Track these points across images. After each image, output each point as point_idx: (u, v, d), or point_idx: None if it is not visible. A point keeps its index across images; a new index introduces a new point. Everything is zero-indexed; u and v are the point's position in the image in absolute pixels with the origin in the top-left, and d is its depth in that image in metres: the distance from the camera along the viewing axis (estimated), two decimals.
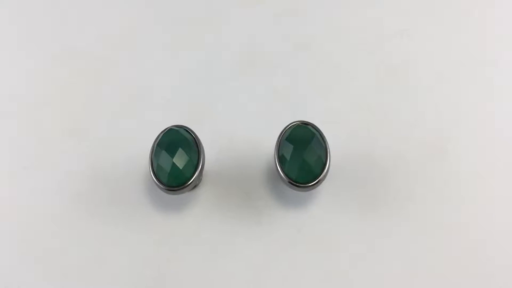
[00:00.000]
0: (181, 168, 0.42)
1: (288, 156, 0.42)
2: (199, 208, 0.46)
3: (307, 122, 0.45)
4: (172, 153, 0.42)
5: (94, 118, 0.50)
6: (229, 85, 0.51)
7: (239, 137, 0.49)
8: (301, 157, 0.42)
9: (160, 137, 0.44)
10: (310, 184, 0.42)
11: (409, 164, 0.47)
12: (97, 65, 0.53)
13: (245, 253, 0.44)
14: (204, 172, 0.47)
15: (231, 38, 0.54)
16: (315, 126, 0.44)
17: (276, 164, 0.43)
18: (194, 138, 0.44)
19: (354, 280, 0.43)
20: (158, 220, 0.46)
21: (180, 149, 0.43)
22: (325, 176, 0.43)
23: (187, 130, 0.44)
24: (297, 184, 0.42)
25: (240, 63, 0.52)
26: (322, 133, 0.44)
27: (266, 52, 0.53)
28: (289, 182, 0.43)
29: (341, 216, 0.45)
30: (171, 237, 0.45)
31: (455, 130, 0.48)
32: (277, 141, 0.44)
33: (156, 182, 0.43)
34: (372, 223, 0.45)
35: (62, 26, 0.55)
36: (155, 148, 0.43)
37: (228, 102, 0.51)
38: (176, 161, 0.42)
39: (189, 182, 0.42)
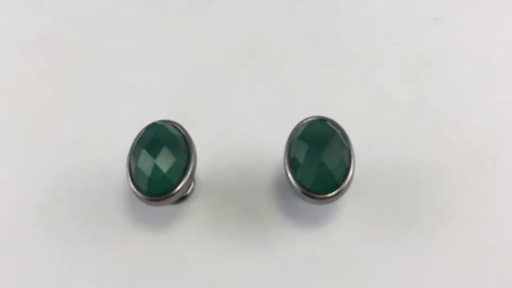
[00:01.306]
0: (165, 172, 0.33)
1: (301, 159, 0.33)
2: (188, 225, 0.37)
3: (325, 117, 0.36)
4: (154, 153, 0.33)
5: (63, 115, 0.41)
6: (227, 79, 0.43)
7: (239, 138, 0.40)
8: (319, 160, 0.33)
9: (141, 133, 0.35)
10: (329, 195, 0.33)
11: (448, 172, 0.38)
12: (70, 54, 0.44)
13: (245, 283, 0.35)
14: (196, 179, 0.38)
15: (230, 25, 0.45)
16: (336, 122, 0.35)
17: (285, 169, 0.34)
18: (183, 135, 0.35)
19: None
20: (136, 239, 0.36)
21: (164, 148, 0.34)
22: (348, 184, 0.34)
23: (175, 126, 0.35)
24: (313, 195, 0.33)
25: (241, 54, 0.44)
26: (344, 131, 0.35)
27: (271, 41, 0.44)
28: (303, 192, 0.33)
29: (367, 237, 0.36)
30: (152, 262, 0.36)
31: (504, 131, 0.39)
32: (288, 140, 0.35)
33: (134, 189, 0.34)
34: (405, 246, 0.36)
35: (30, 9, 0.47)
36: (134, 146, 0.34)
37: (226, 98, 0.42)
38: (159, 162, 0.33)
39: (175, 190, 0.33)
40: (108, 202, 0.37)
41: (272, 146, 0.39)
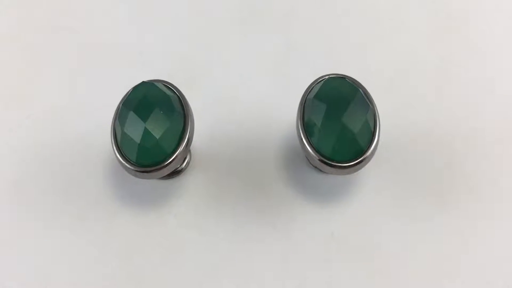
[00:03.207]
0: (157, 137, 0.28)
1: (318, 121, 0.28)
2: (185, 203, 0.32)
3: (344, 75, 0.30)
4: (144, 116, 0.28)
5: (38, 79, 0.36)
6: (227, 38, 0.37)
7: (241, 104, 0.35)
8: (340, 122, 0.28)
9: (128, 94, 0.29)
10: (353, 163, 0.28)
11: (482, 143, 0.33)
12: (47, 9, 0.38)
13: (254, 271, 0.30)
14: (192, 150, 0.33)
15: None
16: (356, 80, 0.30)
17: (299, 134, 0.29)
18: (178, 96, 0.30)
19: None
20: (124, 219, 0.31)
21: (156, 110, 0.28)
22: (374, 151, 0.29)
23: (167, 85, 0.30)
24: (334, 163, 0.28)
25: (242, 9, 0.38)
26: (366, 90, 0.30)
27: None
28: (321, 161, 0.28)
29: (392, 213, 0.31)
30: (143, 246, 0.30)
31: None
32: (301, 101, 0.29)
33: (120, 159, 0.28)
34: (435, 224, 0.31)
35: None
36: (119, 109, 0.29)
37: (227, 60, 0.37)
38: (151, 127, 0.28)
39: (169, 160, 0.28)
40: (91, 177, 0.32)
41: (279, 111, 0.34)
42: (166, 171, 0.28)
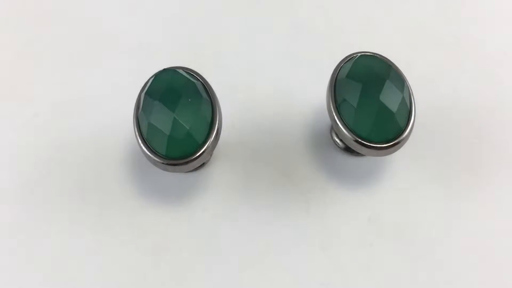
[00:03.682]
0: (188, 127, 0.26)
1: (354, 102, 0.27)
2: (213, 195, 0.30)
3: (373, 52, 0.29)
4: (171, 105, 0.26)
5: (39, 73, 0.33)
6: (234, 24, 0.36)
7: (259, 90, 0.33)
8: (377, 101, 0.27)
9: (149, 82, 0.27)
10: (393, 143, 0.27)
11: (508, 114, 0.32)
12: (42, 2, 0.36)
13: (293, 259, 0.28)
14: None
15: None
16: (386, 57, 0.29)
17: (333, 116, 0.27)
18: (202, 83, 0.28)
19: None
20: (150, 216, 0.29)
21: (183, 98, 0.26)
22: (412, 129, 0.28)
23: (189, 72, 0.28)
24: (373, 144, 0.27)
25: None
26: (397, 67, 0.28)
27: None
28: (358, 142, 0.27)
29: (427, 192, 0.30)
30: (174, 243, 0.29)
31: None
32: (331, 82, 0.28)
33: (147, 152, 0.26)
34: (472, 199, 0.30)
35: None
36: (142, 99, 0.27)
37: (236, 46, 0.35)
38: (180, 116, 0.26)
39: (201, 151, 0.26)
40: (109, 173, 0.30)
41: (297, 94, 0.33)
42: (198, 162, 0.27)
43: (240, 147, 0.31)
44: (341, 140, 0.31)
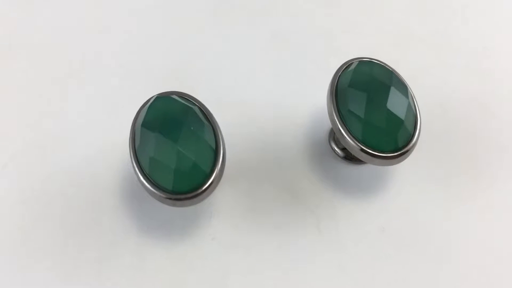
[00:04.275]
0: (194, 158, 0.24)
1: (361, 112, 0.26)
2: (221, 223, 0.29)
3: (370, 57, 0.28)
4: (173, 136, 0.24)
5: (6, 110, 0.31)
6: (213, 38, 0.34)
7: (250, 104, 0.32)
8: (385, 109, 0.26)
9: (144, 114, 0.25)
10: (404, 150, 0.26)
11: (497, 111, 0.32)
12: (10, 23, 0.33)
13: (311, 282, 0.27)
14: None
15: None
16: (383, 62, 0.28)
17: (338, 127, 0.26)
18: (199, 107, 0.26)
19: None
20: (157, 253, 0.28)
21: (185, 127, 0.25)
22: (419, 134, 0.27)
23: (183, 96, 0.26)
24: (385, 154, 0.26)
25: (218, 9, 0.35)
26: (397, 72, 0.28)
27: None
28: (368, 153, 0.26)
29: (437, 196, 0.30)
30: (185, 278, 0.27)
31: None
32: (331, 92, 0.27)
33: (152, 189, 0.24)
34: (481, 199, 0.30)
35: None
36: (139, 132, 0.25)
37: (219, 61, 0.33)
38: (184, 147, 0.24)
39: (210, 181, 0.25)
40: (104, 211, 0.28)
41: (290, 104, 0.32)
42: (207, 194, 0.25)
43: (239, 167, 0.30)
44: (341, 148, 0.30)
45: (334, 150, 0.31)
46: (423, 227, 0.29)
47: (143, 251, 0.27)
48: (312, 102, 0.32)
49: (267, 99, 0.32)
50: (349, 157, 0.30)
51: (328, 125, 0.31)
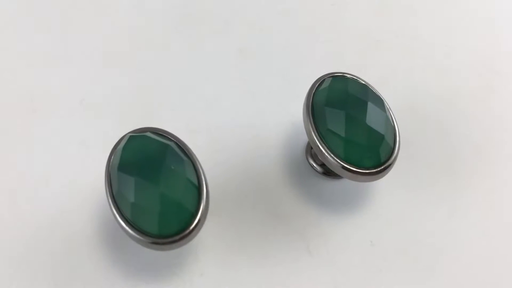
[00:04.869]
0: (178, 198, 0.23)
1: (341, 131, 0.26)
2: (208, 258, 0.28)
3: (340, 72, 0.28)
4: (153, 178, 0.23)
5: None
6: (175, 61, 0.33)
7: (222, 128, 0.31)
8: (365, 126, 0.26)
9: (118, 156, 0.24)
10: (387, 164, 0.26)
11: (465, 102, 0.33)
12: None
13: None
14: None
15: None
16: (355, 75, 0.28)
17: (321, 148, 0.26)
18: (175, 142, 0.25)
19: None
20: None
21: (165, 167, 0.24)
22: (399, 148, 0.27)
23: (158, 133, 0.25)
24: (369, 170, 0.26)
25: (181, 21, 0.34)
26: (370, 85, 0.28)
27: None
28: (350, 170, 0.26)
29: (421, 202, 0.30)
30: None
31: (498, 44, 0.35)
32: (307, 111, 0.27)
33: (137, 235, 0.23)
34: (465, 202, 0.30)
35: None
36: (115, 176, 0.24)
37: (186, 83, 0.32)
38: (167, 188, 0.23)
39: (197, 219, 0.24)
40: (84, 264, 0.27)
41: (263, 124, 0.31)
42: (194, 234, 0.24)
43: (219, 198, 0.29)
44: (319, 164, 0.30)
45: (312, 166, 0.30)
46: (409, 234, 0.29)
47: None
48: (284, 118, 0.32)
49: (238, 120, 0.31)
50: (328, 172, 0.30)
51: (303, 141, 0.31)
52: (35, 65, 0.32)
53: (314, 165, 0.30)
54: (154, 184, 0.23)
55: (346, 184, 0.30)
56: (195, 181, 0.24)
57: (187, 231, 0.23)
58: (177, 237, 0.23)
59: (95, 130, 0.30)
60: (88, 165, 0.29)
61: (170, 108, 0.31)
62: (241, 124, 0.31)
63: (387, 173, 0.26)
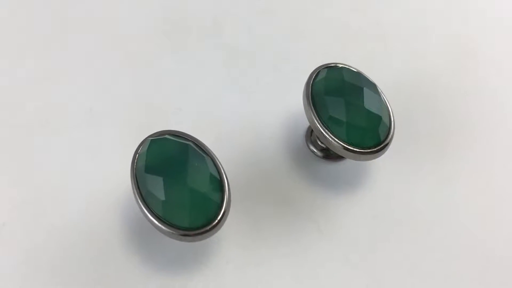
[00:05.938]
0: (205, 192, 0.25)
1: (342, 116, 0.28)
2: (229, 245, 0.29)
3: (333, 63, 0.30)
4: (181, 176, 0.25)
5: None
6: (172, 64, 0.35)
7: (223, 124, 0.33)
8: (364, 110, 0.28)
9: (143, 159, 0.26)
10: (386, 143, 0.29)
11: (444, 81, 0.36)
12: None
13: (319, 276, 0.29)
14: None
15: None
16: (346, 64, 0.30)
17: (325, 134, 0.28)
18: (192, 141, 0.27)
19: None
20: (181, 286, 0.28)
21: (190, 165, 0.26)
22: (394, 126, 0.29)
23: (175, 134, 0.27)
24: (371, 150, 0.28)
25: (164, 31, 0.36)
26: (363, 72, 0.30)
27: (193, 8, 0.37)
28: (353, 151, 0.28)
29: (416, 177, 0.32)
30: None
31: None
32: (308, 101, 0.29)
33: (170, 230, 0.25)
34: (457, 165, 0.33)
35: None
36: (142, 178, 0.25)
37: (183, 86, 0.34)
38: (193, 183, 0.25)
39: (223, 210, 0.26)
40: (112, 264, 0.28)
41: (265, 119, 0.33)
42: (222, 223, 0.26)
43: (232, 188, 0.31)
44: (319, 149, 0.32)
45: (313, 152, 0.32)
46: (408, 205, 0.31)
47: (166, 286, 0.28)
48: (280, 110, 0.34)
49: (237, 117, 0.33)
50: (328, 156, 0.32)
51: (302, 129, 0.33)
52: (42, 80, 0.33)
53: (315, 150, 0.32)
54: (182, 181, 0.25)
55: (346, 165, 0.32)
56: (217, 175, 0.26)
57: (216, 221, 0.25)
58: (208, 228, 0.25)
59: (105, 136, 0.31)
60: (103, 170, 0.30)
61: (173, 111, 0.33)
62: (241, 120, 0.33)
63: (386, 151, 0.29)
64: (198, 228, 0.25)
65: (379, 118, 0.28)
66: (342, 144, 0.28)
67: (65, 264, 0.28)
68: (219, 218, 0.26)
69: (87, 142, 0.31)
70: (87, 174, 0.30)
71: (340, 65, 0.30)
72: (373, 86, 0.29)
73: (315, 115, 0.29)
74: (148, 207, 0.25)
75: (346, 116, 0.28)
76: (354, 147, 0.28)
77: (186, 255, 0.29)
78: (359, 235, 0.30)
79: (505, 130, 0.34)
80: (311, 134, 0.33)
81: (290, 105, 0.34)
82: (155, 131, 0.28)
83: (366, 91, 0.28)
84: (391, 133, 0.29)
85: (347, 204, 0.31)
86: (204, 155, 0.27)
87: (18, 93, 0.32)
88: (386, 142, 0.29)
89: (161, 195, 0.25)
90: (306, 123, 0.33)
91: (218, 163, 0.27)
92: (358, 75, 0.29)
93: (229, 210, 0.26)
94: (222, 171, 0.27)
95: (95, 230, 0.29)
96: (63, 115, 0.32)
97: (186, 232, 0.25)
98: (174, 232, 0.25)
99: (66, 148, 0.31)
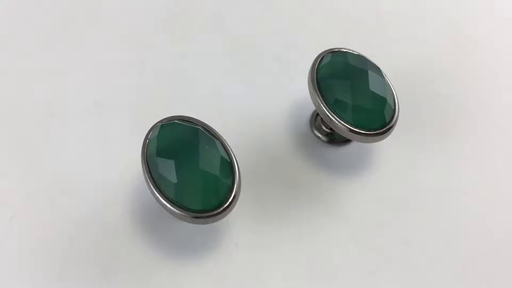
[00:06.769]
0: (217, 174, 0.26)
1: (348, 99, 0.29)
2: (238, 228, 0.30)
3: (336, 48, 0.31)
4: (192, 158, 0.26)
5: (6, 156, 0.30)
6: (175, 55, 0.35)
7: (228, 113, 0.33)
8: (369, 93, 0.29)
9: (154, 143, 0.26)
10: (391, 125, 0.29)
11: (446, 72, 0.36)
12: None
13: (335, 265, 0.30)
14: None
15: None
16: (349, 49, 0.31)
17: (331, 117, 0.29)
18: (202, 126, 0.27)
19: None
20: (189, 271, 0.29)
21: (201, 147, 0.26)
22: (399, 109, 0.30)
23: (185, 119, 0.28)
24: (378, 131, 0.29)
25: (170, 22, 0.36)
26: (366, 57, 0.31)
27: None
28: (360, 133, 0.29)
29: (419, 157, 0.33)
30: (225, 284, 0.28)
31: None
32: (313, 85, 0.29)
33: (183, 213, 0.26)
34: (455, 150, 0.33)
35: None
36: (154, 162, 0.26)
37: (190, 76, 0.34)
38: (206, 166, 0.25)
39: (234, 191, 0.26)
40: (127, 247, 0.28)
41: (269, 107, 0.34)
42: (234, 205, 0.26)
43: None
44: (324, 134, 0.33)
45: (318, 137, 0.33)
46: (413, 185, 0.32)
47: (178, 271, 0.28)
48: (284, 98, 0.34)
49: (243, 105, 0.34)
50: (333, 141, 0.33)
51: (306, 115, 0.34)
52: (48, 73, 0.33)
53: (320, 135, 0.33)
54: (194, 164, 0.25)
55: (351, 148, 0.33)
56: (227, 158, 0.27)
57: (227, 203, 0.26)
58: (220, 209, 0.26)
59: (113, 127, 0.32)
60: (112, 159, 0.31)
61: (178, 100, 0.33)
62: (246, 108, 0.34)
63: (391, 132, 0.29)
64: (210, 210, 0.26)
65: (384, 100, 0.29)
66: (349, 126, 0.29)
67: (76, 253, 0.28)
68: (230, 200, 0.26)
69: (95, 133, 0.32)
70: (96, 164, 0.31)
71: (344, 50, 0.30)
72: (377, 70, 0.30)
73: (321, 98, 0.29)
74: (160, 190, 0.26)
75: (352, 99, 0.28)
76: (360, 129, 0.29)
77: (196, 239, 0.29)
78: (366, 216, 0.31)
79: (506, 113, 0.35)
80: (315, 120, 0.33)
81: (293, 92, 0.34)
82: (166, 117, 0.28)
83: (371, 73, 0.29)
84: (395, 115, 0.29)
85: (353, 186, 0.32)
86: (214, 139, 0.27)
87: (26, 86, 0.33)
88: (391, 124, 0.29)
89: (173, 177, 0.25)
90: (310, 110, 0.34)
91: (228, 146, 0.27)
92: (363, 58, 0.30)
93: (239, 192, 0.27)
94: (232, 154, 0.27)
95: (105, 219, 0.29)
96: (72, 107, 0.32)
97: (199, 215, 0.26)
98: (186, 215, 0.26)
99: (75, 139, 0.31)
